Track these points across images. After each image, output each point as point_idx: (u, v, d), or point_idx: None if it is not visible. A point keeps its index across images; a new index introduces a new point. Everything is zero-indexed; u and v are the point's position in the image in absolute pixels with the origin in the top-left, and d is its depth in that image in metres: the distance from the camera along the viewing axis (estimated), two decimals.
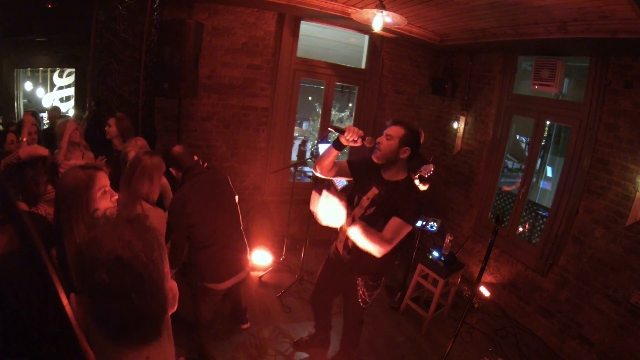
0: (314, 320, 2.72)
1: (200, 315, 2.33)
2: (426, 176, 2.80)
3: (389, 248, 1.79)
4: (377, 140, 1.95)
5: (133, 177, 1.88)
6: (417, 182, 2.74)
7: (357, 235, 1.77)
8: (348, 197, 2.18)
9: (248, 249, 2.46)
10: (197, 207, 2.10)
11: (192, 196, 2.10)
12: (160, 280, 0.61)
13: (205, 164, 2.50)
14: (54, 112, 4.41)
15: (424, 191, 3.03)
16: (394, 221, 1.85)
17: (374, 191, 2.01)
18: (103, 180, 1.38)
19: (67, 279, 0.93)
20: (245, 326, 2.92)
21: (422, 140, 3.47)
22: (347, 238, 2.09)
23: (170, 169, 2.21)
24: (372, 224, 1.93)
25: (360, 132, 1.89)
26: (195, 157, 2.31)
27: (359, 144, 1.90)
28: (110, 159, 2.69)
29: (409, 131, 1.93)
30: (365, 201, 2.03)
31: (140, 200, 1.89)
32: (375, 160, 1.98)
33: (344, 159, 5.04)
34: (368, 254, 2.02)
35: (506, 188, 5.32)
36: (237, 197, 2.42)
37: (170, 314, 0.66)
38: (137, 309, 0.59)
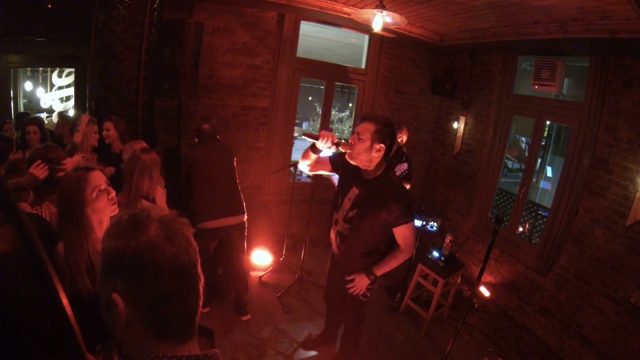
0: (325, 317, 2.74)
1: None
2: (401, 175, 2.81)
3: (412, 251, 2.01)
4: (349, 140, 1.86)
5: (134, 176, 1.88)
6: None
7: (386, 269, 2.03)
8: (333, 199, 2.16)
9: (243, 204, 2.92)
10: (197, 160, 2.78)
11: (197, 152, 2.81)
12: (200, 279, 0.67)
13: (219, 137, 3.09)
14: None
15: (409, 190, 3.04)
16: (396, 231, 1.93)
17: (354, 191, 1.97)
18: (96, 180, 1.34)
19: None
20: (245, 318, 3.00)
21: (406, 137, 3.37)
22: (337, 237, 2.10)
23: (195, 138, 2.93)
24: (355, 228, 1.95)
25: (334, 137, 1.83)
26: (218, 137, 2.99)
27: (333, 149, 1.85)
28: (110, 162, 2.68)
29: (381, 126, 1.82)
30: (346, 203, 2.00)
31: (140, 199, 1.89)
32: (348, 160, 1.90)
33: None
34: (355, 251, 2.05)
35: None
36: (235, 161, 2.99)
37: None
38: (187, 309, 0.63)
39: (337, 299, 2.50)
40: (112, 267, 0.61)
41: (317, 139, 1.83)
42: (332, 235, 2.13)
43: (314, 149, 1.94)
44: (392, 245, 2.02)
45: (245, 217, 2.93)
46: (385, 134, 1.83)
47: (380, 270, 2.01)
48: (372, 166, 1.90)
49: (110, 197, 1.37)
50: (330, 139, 1.80)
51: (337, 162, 2.12)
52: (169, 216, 0.66)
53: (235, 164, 2.97)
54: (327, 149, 1.86)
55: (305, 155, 2.05)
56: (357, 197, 1.96)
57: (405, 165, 2.84)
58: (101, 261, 0.62)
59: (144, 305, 0.59)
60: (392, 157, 3.26)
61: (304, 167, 2.11)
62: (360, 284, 2.02)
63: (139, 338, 0.61)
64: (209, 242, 2.91)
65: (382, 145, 1.83)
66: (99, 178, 1.36)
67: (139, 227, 0.61)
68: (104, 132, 2.78)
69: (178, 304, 0.61)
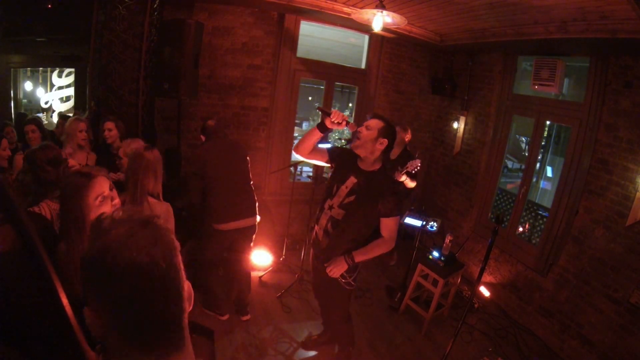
0: (320, 316, 2.73)
1: (205, 253, 2.83)
2: (413, 172, 2.82)
3: (393, 243, 2.10)
4: (358, 130, 2.07)
5: (139, 174, 1.87)
6: (404, 177, 2.80)
7: (366, 257, 2.12)
8: (326, 187, 2.25)
9: (256, 205, 2.86)
10: (211, 159, 2.67)
11: (210, 151, 2.72)
12: (179, 282, 0.60)
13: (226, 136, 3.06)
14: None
15: (413, 187, 3.10)
16: (384, 222, 2.08)
17: (352, 180, 2.09)
18: (99, 187, 1.31)
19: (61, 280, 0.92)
20: (245, 318, 3.00)
21: (409, 137, 3.70)
22: (327, 223, 2.14)
23: (201, 136, 2.84)
24: (351, 213, 2.05)
25: (345, 116, 2.06)
26: (225, 132, 2.93)
27: (342, 126, 2.05)
28: (110, 162, 2.66)
29: (386, 124, 2.06)
30: (343, 190, 2.10)
31: (147, 197, 1.90)
32: (353, 149, 2.08)
33: None
34: (345, 237, 2.11)
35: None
36: (249, 159, 2.90)
37: (187, 314, 0.65)
38: (162, 315, 0.58)
39: (322, 290, 2.51)
40: (82, 274, 0.59)
41: (329, 115, 2.04)
42: (323, 221, 2.16)
43: (321, 127, 2.08)
44: (374, 237, 2.14)
45: (258, 219, 2.88)
46: (389, 132, 2.05)
47: (359, 256, 2.10)
48: (372, 157, 2.07)
49: (113, 204, 1.34)
50: (341, 116, 2.04)
51: (334, 153, 2.25)
52: (138, 214, 0.61)
53: (249, 163, 2.89)
54: (336, 126, 2.06)
55: (310, 136, 2.13)
56: (355, 185, 2.08)
57: (418, 162, 2.84)
58: None
59: (106, 311, 0.56)
60: (401, 155, 3.35)
61: (302, 149, 2.16)
62: (338, 265, 2.10)
63: (118, 348, 0.58)
64: (224, 242, 2.85)
65: (385, 140, 2.03)
66: (102, 184, 1.32)
67: (99, 231, 0.58)
68: (106, 132, 2.78)
69: (143, 310, 0.56)
